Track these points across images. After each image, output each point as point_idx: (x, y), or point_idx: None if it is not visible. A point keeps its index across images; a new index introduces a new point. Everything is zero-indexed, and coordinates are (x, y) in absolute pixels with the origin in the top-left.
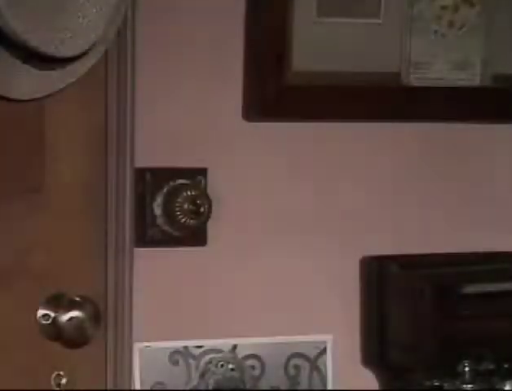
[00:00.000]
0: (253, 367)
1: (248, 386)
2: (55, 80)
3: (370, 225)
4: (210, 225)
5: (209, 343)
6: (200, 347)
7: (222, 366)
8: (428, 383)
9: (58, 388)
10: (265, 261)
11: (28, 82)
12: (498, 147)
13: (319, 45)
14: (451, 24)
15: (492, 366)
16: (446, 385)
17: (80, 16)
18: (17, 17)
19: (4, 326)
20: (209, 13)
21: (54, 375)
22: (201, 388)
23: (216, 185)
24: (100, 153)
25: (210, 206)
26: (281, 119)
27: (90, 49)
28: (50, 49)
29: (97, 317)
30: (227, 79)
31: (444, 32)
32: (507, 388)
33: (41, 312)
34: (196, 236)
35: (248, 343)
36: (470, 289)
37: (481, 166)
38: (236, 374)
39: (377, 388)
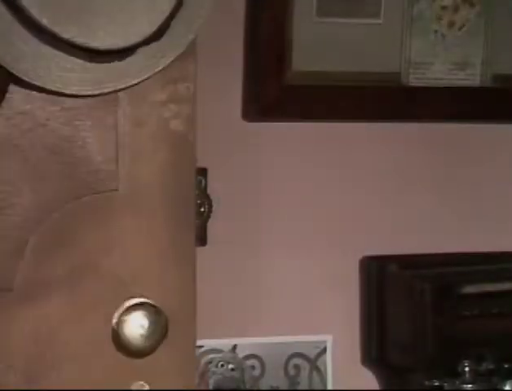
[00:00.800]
0: (253, 367)
1: (248, 386)
2: (122, 74)
3: (370, 225)
4: (210, 225)
5: (209, 343)
6: (201, 347)
7: (222, 366)
8: (428, 383)
9: None
10: (265, 261)
11: (85, 76)
12: (498, 147)
13: (319, 45)
14: (451, 24)
15: (492, 366)
16: (446, 385)
17: (130, 3)
18: (47, 9)
19: (78, 331)
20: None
21: (136, 385)
22: (201, 388)
23: (216, 185)
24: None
25: (210, 206)
26: (281, 119)
27: (153, 40)
28: (87, 41)
29: (165, 324)
30: (227, 79)
31: (444, 32)
32: (507, 388)
33: (115, 317)
34: (196, 236)
35: (248, 343)
36: (470, 289)
37: (481, 166)
38: (236, 374)
39: (377, 388)
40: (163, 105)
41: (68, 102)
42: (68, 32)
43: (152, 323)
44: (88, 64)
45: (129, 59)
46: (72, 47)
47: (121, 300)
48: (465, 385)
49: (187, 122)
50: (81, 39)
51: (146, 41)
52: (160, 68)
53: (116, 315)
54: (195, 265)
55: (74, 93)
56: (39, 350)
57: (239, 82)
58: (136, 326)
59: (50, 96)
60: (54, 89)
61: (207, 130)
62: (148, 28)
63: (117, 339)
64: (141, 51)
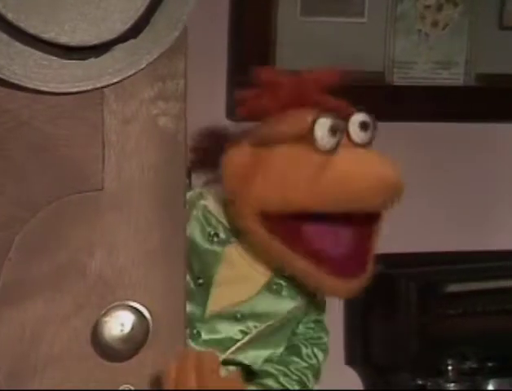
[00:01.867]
0: None
1: None
2: (101, 71)
3: None
4: None
5: None
6: None
7: None
8: (411, 382)
9: None
10: None
11: (61, 74)
12: (482, 146)
13: (303, 44)
14: (434, 24)
15: (475, 365)
16: (429, 384)
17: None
18: (13, 3)
19: (62, 333)
20: (192, 12)
21: (122, 388)
22: None
23: (200, 185)
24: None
25: None
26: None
27: (129, 37)
28: (55, 36)
29: (146, 328)
30: (211, 78)
31: (428, 31)
32: (490, 387)
33: (99, 319)
34: None
35: None
36: (455, 288)
37: (465, 165)
38: None
39: (361, 388)
40: (151, 102)
41: (53, 100)
42: (34, 28)
43: (133, 326)
44: (64, 61)
45: (106, 56)
46: (43, 43)
47: (104, 302)
48: (448, 384)
49: (176, 120)
50: (48, 35)
51: (120, 39)
52: (143, 65)
53: (98, 317)
54: (185, 267)
55: (52, 90)
56: (24, 351)
57: (223, 81)
58: (116, 329)
59: (35, 94)
60: (31, 86)
61: (191, 130)
62: (121, 26)
63: (97, 341)
64: (119, 48)
